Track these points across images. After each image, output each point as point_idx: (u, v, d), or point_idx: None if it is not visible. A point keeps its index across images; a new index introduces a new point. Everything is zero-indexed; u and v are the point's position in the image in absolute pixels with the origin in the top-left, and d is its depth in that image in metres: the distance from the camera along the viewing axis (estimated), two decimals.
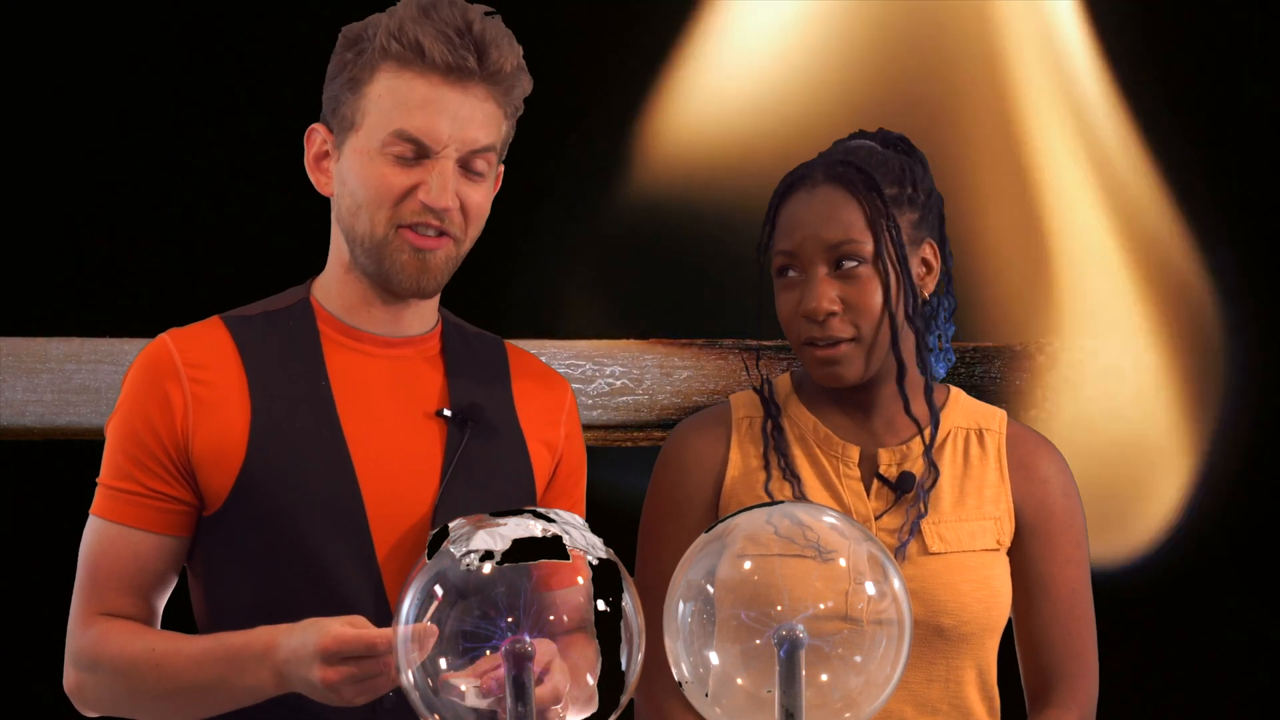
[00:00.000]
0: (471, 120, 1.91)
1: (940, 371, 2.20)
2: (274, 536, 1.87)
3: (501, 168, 2.02)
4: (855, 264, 2.07)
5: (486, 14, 1.91)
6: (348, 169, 1.93)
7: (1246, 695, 3.40)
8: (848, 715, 1.64)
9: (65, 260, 3.30)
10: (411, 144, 1.89)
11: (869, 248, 2.07)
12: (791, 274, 2.10)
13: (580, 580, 1.72)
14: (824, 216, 2.08)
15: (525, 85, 1.97)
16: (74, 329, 3.32)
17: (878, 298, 2.07)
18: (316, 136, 1.97)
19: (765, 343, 2.18)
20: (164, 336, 1.94)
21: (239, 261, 3.24)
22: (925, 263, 2.14)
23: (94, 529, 1.92)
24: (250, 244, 3.27)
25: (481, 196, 1.95)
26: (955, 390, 2.20)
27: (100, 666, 1.87)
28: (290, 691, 1.78)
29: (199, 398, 1.89)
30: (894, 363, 2.12)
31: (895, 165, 2.13)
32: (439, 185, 1.89)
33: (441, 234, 1.91)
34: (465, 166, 1.92)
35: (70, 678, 1.90)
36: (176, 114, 3.31)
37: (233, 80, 3.33)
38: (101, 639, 1.87)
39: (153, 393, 1.90)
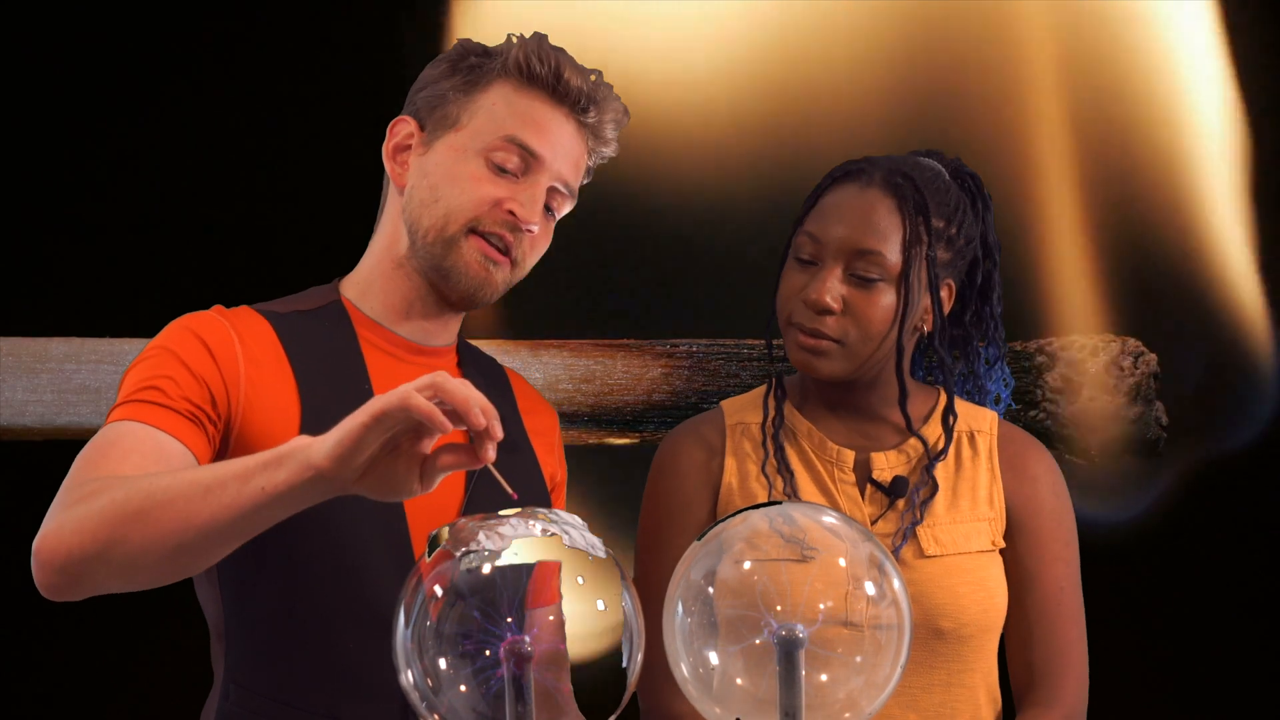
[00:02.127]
0: (571, 156, 1.97)
1: (996, 402, 2.23)
2: (311, 537, 1.85)
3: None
4: (875, 277, 2.06)
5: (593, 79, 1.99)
6: (435, 163, 1.95)
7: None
8: (847, 716, 1.64)
9: (65, 260, 3.30)
10: (518, 153, 1.93)
11: (895, 266, 2.06)
12: (808, 258, 2.10)
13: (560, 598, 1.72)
14: (864, 219, 2.07)
15: (610, 153, 2.04)
16: (74, 329, 3.32)
17: (882, 314, 2.06)
18: (402, 129, 1.99)
19: (778, 341, 2.18)
20: (212, 310, 1.92)
21: (239, 262, 3.24)
22: (938, 301, 2.14)
23: (104, 431, 1.76)
24: (251, 245, 3.27)
25: (546, 237, 2.00)
26: (943, 394, 2.20)
27: (94, 498, 1.65)
28: (311, 464, 1.55)
29: (252, 377, 1.87)
30: (894, 381, 2.12)
31: (952, 200, 2.12)
32: (530, 202, 1.93)
33: (506, 252, 1.94)
34: (545, 199, 1.97)
35: (43, 538, 1.69)
36: (177, 115, 3.31)
37: (234, 83, 3.33)
38: (100, 482, 1.67)
39: (200, 342, 1.86)
